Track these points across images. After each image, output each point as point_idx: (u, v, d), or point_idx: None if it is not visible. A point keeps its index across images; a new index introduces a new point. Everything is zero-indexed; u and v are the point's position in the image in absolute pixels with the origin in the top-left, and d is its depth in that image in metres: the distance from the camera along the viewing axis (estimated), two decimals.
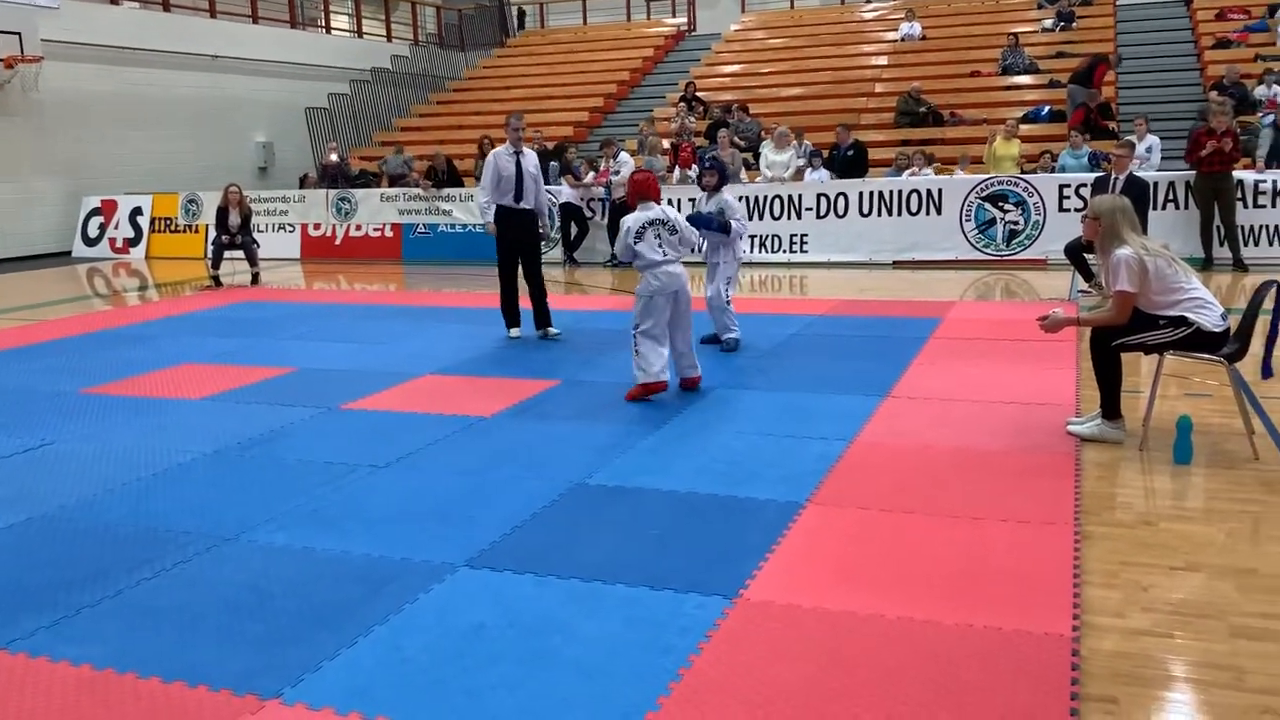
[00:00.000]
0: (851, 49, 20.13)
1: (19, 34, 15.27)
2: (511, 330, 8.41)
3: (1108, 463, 4.82)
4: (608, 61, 22.08)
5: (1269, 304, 5.07)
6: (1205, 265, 11.01)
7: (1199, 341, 4.88)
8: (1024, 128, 15.64)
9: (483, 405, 6.17)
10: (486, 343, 8.25)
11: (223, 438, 5.64)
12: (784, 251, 12.92)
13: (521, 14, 26.96)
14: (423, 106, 21.83)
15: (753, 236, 13.00)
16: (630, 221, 6.28)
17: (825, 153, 13.67)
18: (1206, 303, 4.89)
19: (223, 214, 12.38)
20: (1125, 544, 3.88)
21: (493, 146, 15.91)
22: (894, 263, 12.33)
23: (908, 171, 12.91)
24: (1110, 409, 5.12)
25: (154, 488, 4.84)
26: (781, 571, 3.71)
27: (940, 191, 12.23)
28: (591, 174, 13.68)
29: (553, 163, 14.21)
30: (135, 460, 5.27)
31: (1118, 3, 20.14)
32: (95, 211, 16.53)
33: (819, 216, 12.78)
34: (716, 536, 4.05)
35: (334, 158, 16.23)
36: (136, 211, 16.26)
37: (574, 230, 13.65)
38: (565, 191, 13.60)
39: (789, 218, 12.91)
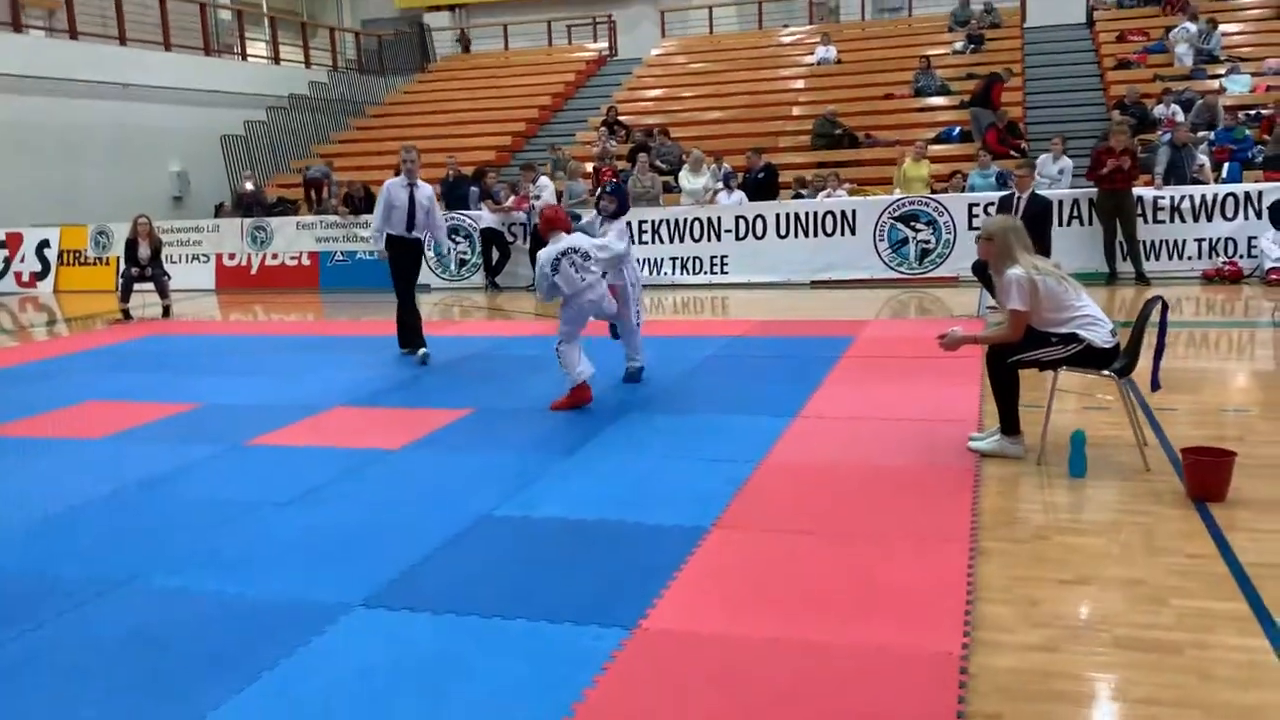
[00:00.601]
0: (769, 73, 20.41)
1: None
2: (420, 351, 8.47)
3: (1006, 477, 4.92)
4: (529, 86, 22.10)
5: (1155, 318, 5.22)
6: (1109, 280, 11.33)
7: (1090, 357, 5.01)
8: (935, 148, 16.00)
9: (392, 438, 6.08)
10: (400, 372, 8.17)
11: (122, 478, 5.48)
12: (704, 273, 13.02)
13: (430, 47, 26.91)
14: (342, 133, 21.61)
15: (673, 258, 13.11)
16: (543, 257, 6.46)
17: (740, 175, 13.83)
18: (1096, 319, 5.02)
19: (132, 246, 12.10)
20: (1019, 559, 3.95)
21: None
22: (811, 283, 12.49)
23: (823, 193, 13.10)
24: (1008, 425, 5.22)
25: (44, 533, 4.67)
26: (682, 599, 3.71)
27: (854, 212, 12.44)
28: (512, 198, 13.64)
29: (473, 187, 14.16)
30: (26, 504, 5.09)
31: (1025, 25, 20.76)
32: None
33: (738, 238, 12.90)
34: (620, 565, 4.04)
35: (249, 186, 15.98)
36: (44, 244, 15.83)
37: (495, 255, 13.60)
38: (486, 216, 13.55)
39: (708, 240, 13.02)
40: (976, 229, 11.73)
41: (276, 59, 23.33)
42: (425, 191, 8.58)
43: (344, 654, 3.38)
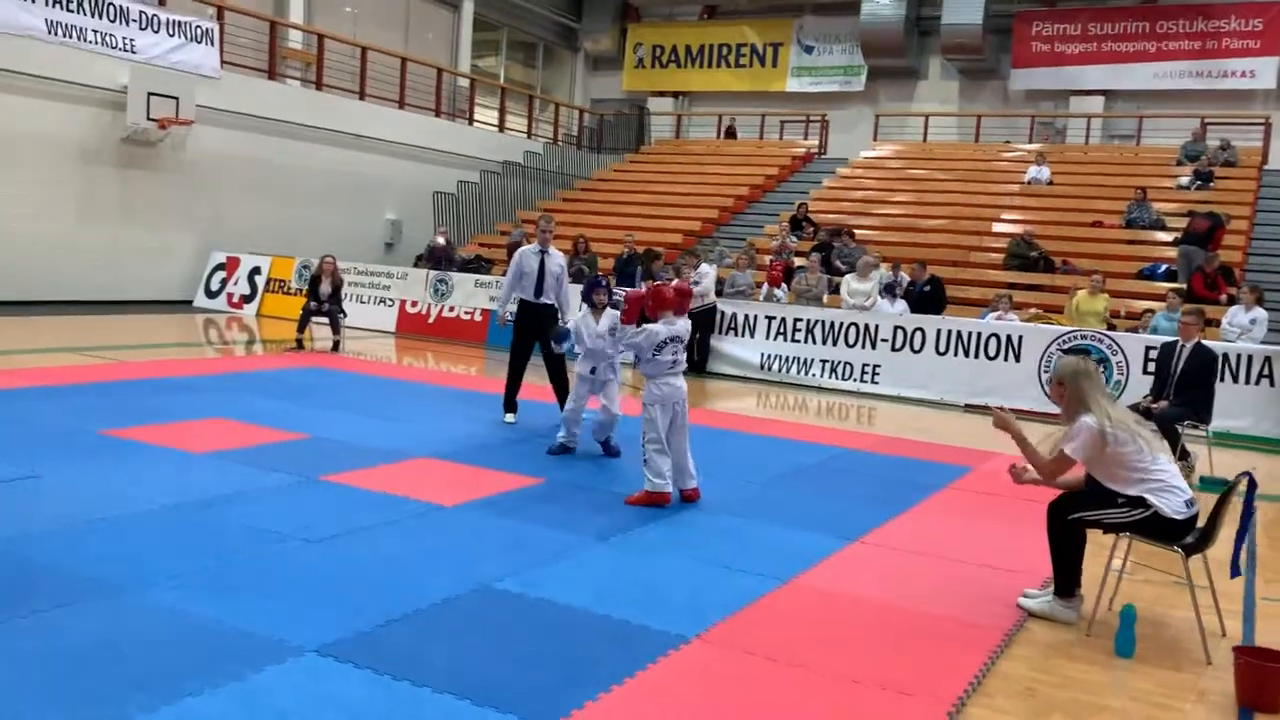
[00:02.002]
0: (976, 187, 19.92)
1: (176, 98, 16.59)
2: (507, 416, 8.79)
3: (1041, 643, 4.48)
4: (732, 176, 22.45)
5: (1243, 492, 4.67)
6: None
7: (1158, 527, 4.52)
8: (1134, 284, 15.09)
9: (453, 494, 6.20)
10: (514, 433, 8.33)
11: (191, 494, 5.81)
12: (854, 379, 12.67)
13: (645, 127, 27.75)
14: (547, 201, 22.57)
15: (824, 361, 12.84)
16: (660, 330, 6.29)
17: (905, 286, 13.48)
18: (1170, 486, 4.53)
19: (315, 282, 12.99)
20: None
21: (586, 248, 16.45)
22: (966, 406, 11.92)
23: (992, 315, 12.56)
24: (1063, 586, 4.77)
25: (85, 534, 4.99)
26: (615, 706, 3.56)
27: (1020, 339, 11.83)
28: (675, 281, 13.76)
29: (638, 266, 14.42)
30: (97, 504, 5.47)
31: (1265, 168, 19.38)
32: (220, 267, 17.60)
33: (894, 349, 12.51)
34: (580, 659, 3.92)
35: (440, 240, 16.89)
36: (255, 271, 17.23)
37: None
38: None
39: (863, 346, 12.69)
40: (1150, 373, 10.95)
41: (501, 127, 24.71)
42: (557, 260, 8.80)
43: (266, 695, 3.43)
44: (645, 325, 6.36)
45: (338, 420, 8.30)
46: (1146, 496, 4.51)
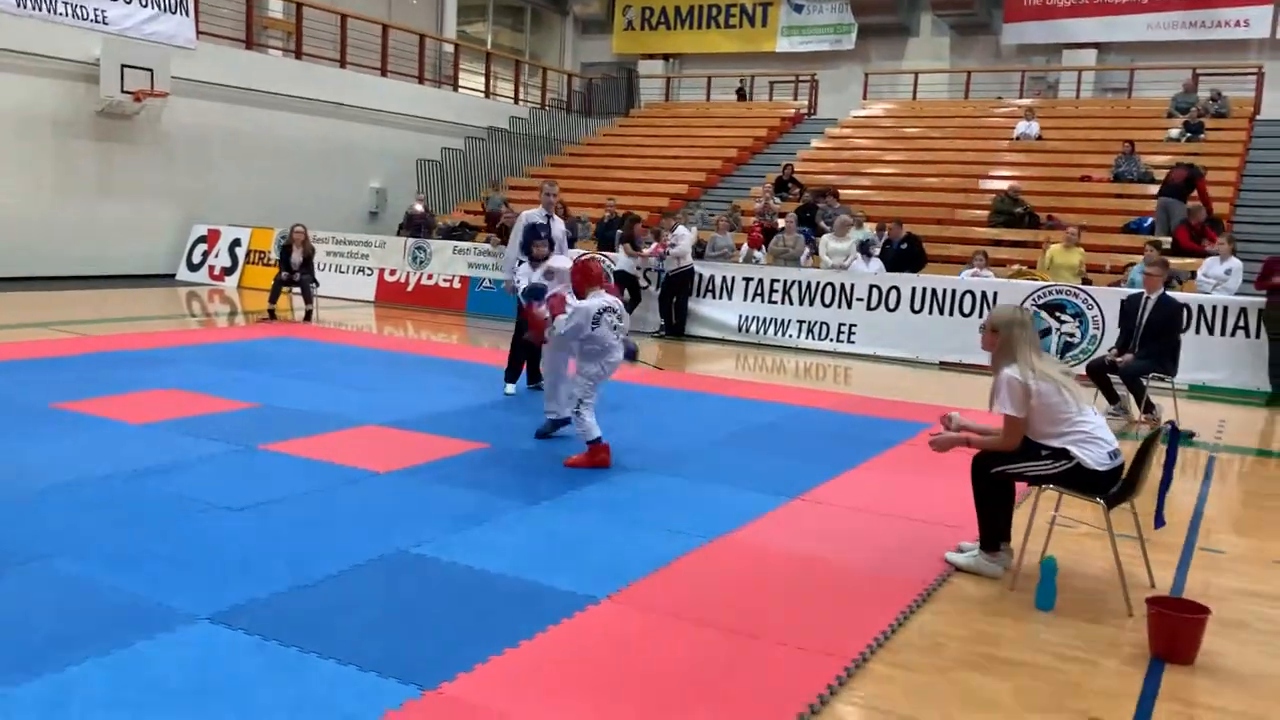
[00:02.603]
0: (963, 144, 19.67)
1: (151, 70, 16.45)
2: (508, 387, 8.65)
3: (961, 597, 4.41)
4: (720, 138, 22.21)
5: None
6: (1271, 400, 10.12)
7: (1081, 478, 4.43)
8: (1120, 239, 14.91)
9: (389, 461, 6.14)
10: (474, 399, 8.25)
11: (126, 464, 5.76)
12: (830, 340, 12.57)
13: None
14: (535, 167, 22.38)
15: (801, 322, 12.73)
16: (589, 306, 6.21)
17: (880, 244, 13.35)
18: (1095, 438, 4.44)
19: (286, 251, 12.91)
20: (888, 689, 3.51)
21: (565, 213, 16.30)
22: (940, 363, 11.82)
23: (968, 272, 12.42)
24: (988, 540, 4.70)
25: (13, 504, 4.95)
26: (504, 668, 3.50)
27: (996, 295, 11.69)
28: (653, 244, 13.66)
29: (618, 230, 14.30)
30: (28, 476, 5.41)
31: (1257, 118, 19.09)
32: (201, 239, 17.52)
33: (869, 308, 12.40)
34: (479, 623, 3.87)
35: (418, 207, 16.76)
36: (235, 243, 17.16)
37: (626, 297, 13.63)
38: (621, 260, 13.63)
39: (839, 306, 12.57)
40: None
41: (488, 93, 24.48)
42: (560, 227, 8.60)
43: (146, 664, 3.38)
44: (576, 303, 6.28)
45: (294, 389, 8.25)
46: (1070, 448, 4.42)
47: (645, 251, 13.57)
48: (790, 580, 4.50)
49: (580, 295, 6.38)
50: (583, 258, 6.78)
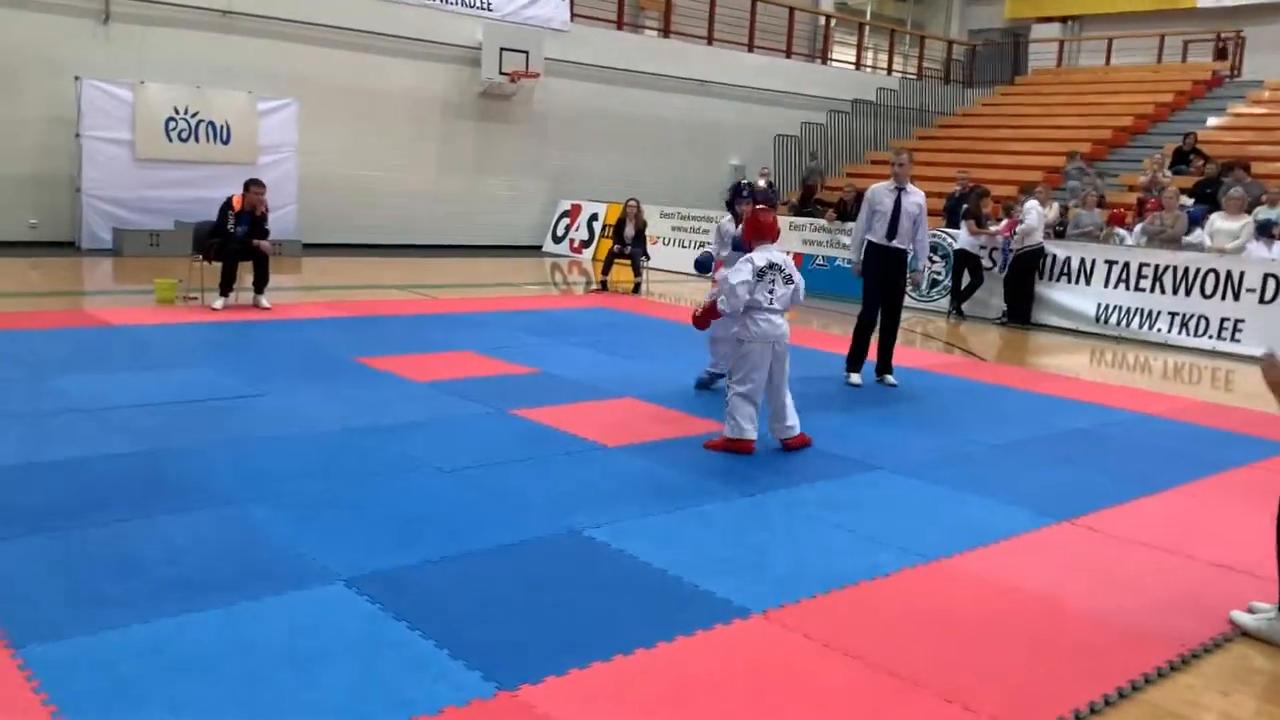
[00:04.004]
0: None
1: (526, 52, 17.46)
2: (851, 376, 7.95)
3: (1238, 671, 3.36)
4: (1115, 106, 19.82)
5: None
6: None
7: None
8: None
9: (623, 434, 5.90)
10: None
11: (380, 419, 5.96)
12: (1208, 336, 10.69)
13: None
14: (902, 140, 21.27)
15: (1173, 314, 10.95)
16: (756, 259, 5.67)
17: None
18: None
19: (620, 225, 13.12)
20: None
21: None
22: None
23: None
24: None
25: (249, 450, 5.24)
26: (599, 677, 3.10)
27: None
28: (1004, 221, 12.36)
29: (965, 205, 13.12)
30: (282, 423, 5.76)
31: None
32: (565, 214, 18.41)
33: (1262, 300, 10.37)
34: (606, 621, 3.48)
35: (761, 183, 16.40)
36: (593, 217, 17.83)
37: (965, 280, 12.47)
38: (963, 237, 12.47)
39: (1224, 297, 10.64)
40: None
41: (858, 64, 23.62)
42: (915, 199, 7.73)
43: (258, 621, 3.34)
44: (744, 257, 5.76)
45: (579, 358, 8.27)
46: None
47: (991, 229, 12.30)
48: (1000, 621, 3.67)
49: (748, 249, 5.81)
50: (756, 209, 6.03)
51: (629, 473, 5.22)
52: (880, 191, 7.80)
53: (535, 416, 6.27)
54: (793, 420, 5.78)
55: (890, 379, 7.91)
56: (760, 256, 5.70)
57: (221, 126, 14.78)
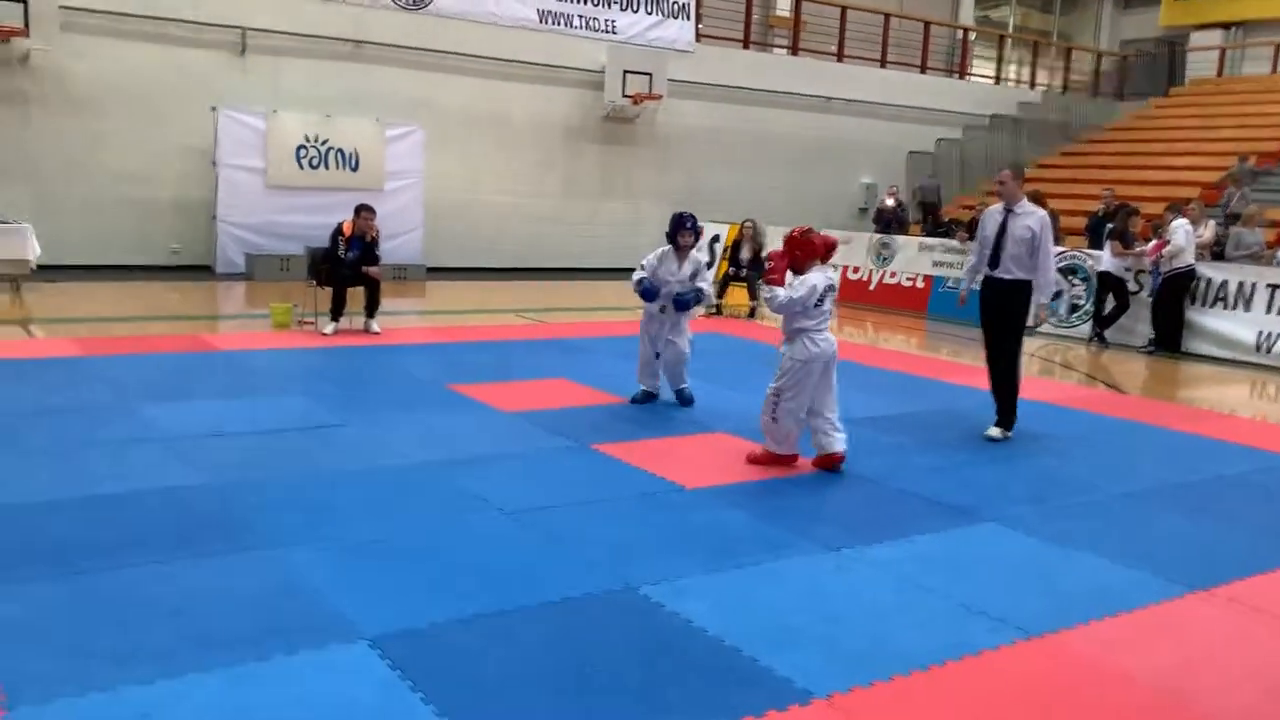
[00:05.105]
0: None
1: (649, 74, 17.27)
2: (990, 430, 6.83)
3: None
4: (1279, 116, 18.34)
5: None
6: None
7: None
8: None
9: (704, 475, 5.50)
10: (869, 412, 7.21)
11: (450, 451, 5.72)
12: None
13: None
14: (1043, 156, 20.21)
15: None
16: (818, 281, 5.63)
17: None
18: None
19: (736, 247, 12.71)
20: None
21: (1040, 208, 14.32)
22: None
23: None
24: None
25: (308, 486, 5.04)
26: None
27: None
28: (1153, 241, 11.42)
29: (1109, 225, 12.20)
30: (354, 457, 5.56)
31: None
32: None
33: None
34: (642, 702, 3.09)
35: (889, 201, 15.75)
36: (715, 239, 17.43)
37: (1110, 305, 11.55)
38: (1107, 258, 11.56)
39: None
40: None
41: (998, 78, 22.59)
42: (1025, 221, 6.66)
43: (261, 684, 3.09)
44: (800, 278, 5.69)
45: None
46: None
47: (1137, 250, 11.37)
48: (1098, 716, 3.11)
49: (799, 271, 5.75)
50: (801, 229, 5.83)
51: (703, 519, 4.81)
52: (990, 214, 6.91)
53: (616, 453, 5.92)
54: (841, 433, 5.73)
55: (993, 432, 6.80)
56: (819, 278, 5.63)
57: (350, 153, 15.04)
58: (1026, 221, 6.70)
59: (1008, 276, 6.80)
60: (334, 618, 3.56)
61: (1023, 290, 6.79)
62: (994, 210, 6.94)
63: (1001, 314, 6.86)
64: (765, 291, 5.83)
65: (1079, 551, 4.57)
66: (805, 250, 5.70)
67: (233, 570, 3.93)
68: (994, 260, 6.84)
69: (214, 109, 14.12)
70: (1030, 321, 6.86)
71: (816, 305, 5.61)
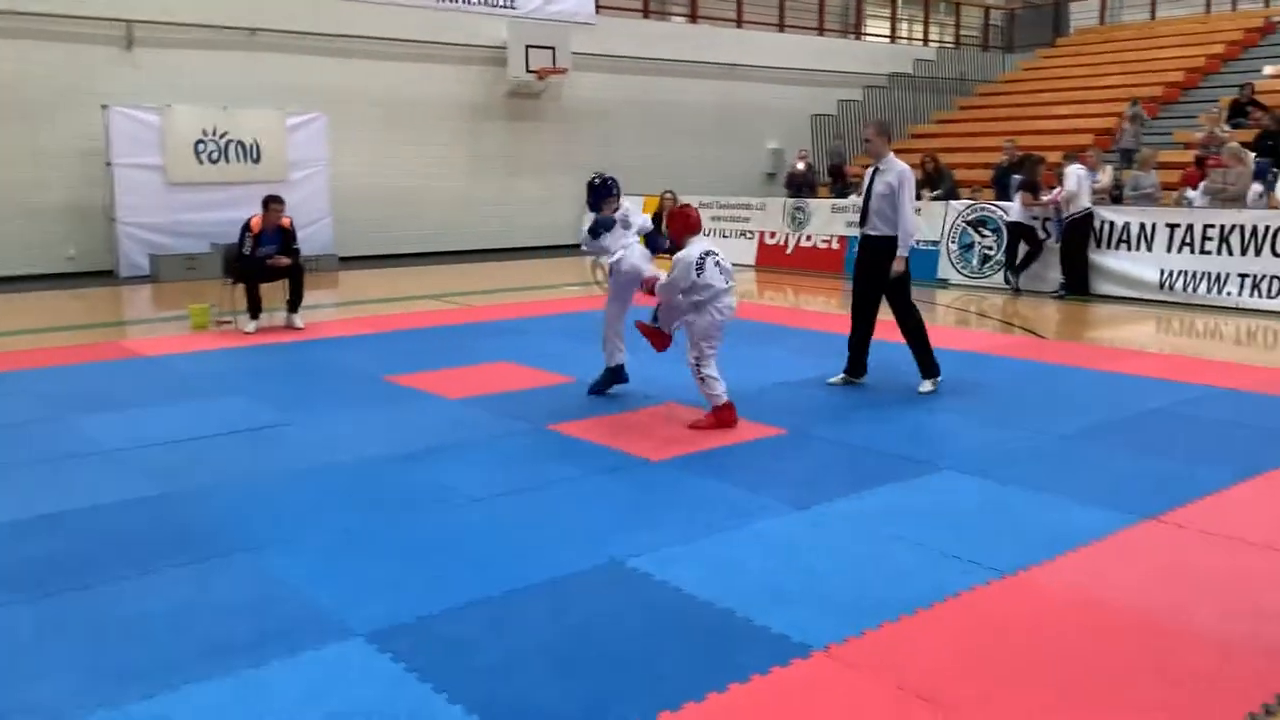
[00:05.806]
0: None
1: (553, 48, 17.15)
2: (924, 384, 6.91)
3: None
4: (1163, 61, 19.09)
5: None
6: None
7: None
8: None
9: (667, 446, 5.57)
10: (800, 375, 7.41)
11: (409, 444, 5.67)
12: None
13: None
14: (942, 112, 20.71)
15: (1243, 275, 10.38)
16: (691, 254, 5.88)
17: None
18: None
19: (658, 219, 12.73)
20: None
21: (936, 167, 14.60)
22: None
23: None
24: None
25: (268, 488, 4.95)
26: None
27: None
28: (1056, 189, 11.81)
29: (1015, 175, 12.58)
30: (306, 455, 5.49)
31: None
32: None
33: None
34: (652, 669, 3.15)
35: (799, 166, 15.98)
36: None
37: (1022, 252, 11.95)
38: (1015, 209, 11.94)
39: None
40: None
41: (892, 37, 23.01)
42: (892, 175, 6.70)
43: (263, 689, 3.05)
44: (676, 255, 5.98)
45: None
46: None
47: (1045, 200, 11.77)
48: (1089, 645, 3.28)
49: (679, 245, 6.04)
50: (680, 205, 6.25)
51: (675, 489, 4.89)
52: (868, 173, 6.95)
53: (575, 431, 5.95)
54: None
55: (925, 386, 6.87)
56: (694, 249, 5.90)
57: (251, 145, 14.65)
58: (887, 178, 6.74)
59: (874, 233, 6.84)
60: (325, 617, 3.53)
61: (893, 246, 6.77)
62: (870, 170, 7.01)
63: (873, 270, 6.90)
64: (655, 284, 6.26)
65: (1033, 492, 4.76)
66: (683, 224, 6.08)
67: (211, 578, 3.87)
68: (863, 217, 6.94)
69: (105, 107, 13.60)
70: (891, 275, 6.79)
71: (698, 273, 5.82)
